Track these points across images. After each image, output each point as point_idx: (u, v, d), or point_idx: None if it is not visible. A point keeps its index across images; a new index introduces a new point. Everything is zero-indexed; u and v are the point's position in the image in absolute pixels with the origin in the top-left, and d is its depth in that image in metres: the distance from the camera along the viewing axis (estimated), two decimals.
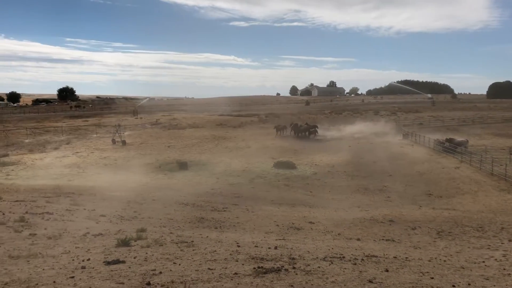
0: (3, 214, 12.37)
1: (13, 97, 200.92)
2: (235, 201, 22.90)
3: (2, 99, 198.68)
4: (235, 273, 6.76)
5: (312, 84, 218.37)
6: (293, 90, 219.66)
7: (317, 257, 8.46)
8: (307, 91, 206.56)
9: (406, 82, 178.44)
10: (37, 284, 5.90)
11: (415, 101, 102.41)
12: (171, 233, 11.74)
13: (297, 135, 52.46)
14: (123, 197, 20.93)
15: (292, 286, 6.17)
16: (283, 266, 7.28)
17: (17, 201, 16.61)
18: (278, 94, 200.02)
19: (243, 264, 7.43)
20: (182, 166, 35.57)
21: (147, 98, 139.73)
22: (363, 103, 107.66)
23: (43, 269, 6.80)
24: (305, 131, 52.82)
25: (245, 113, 77.68)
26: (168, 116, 73.85)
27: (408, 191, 28.08)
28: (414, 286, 6.52)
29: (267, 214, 19.02)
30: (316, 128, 53.52)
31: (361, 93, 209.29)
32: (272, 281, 6.41)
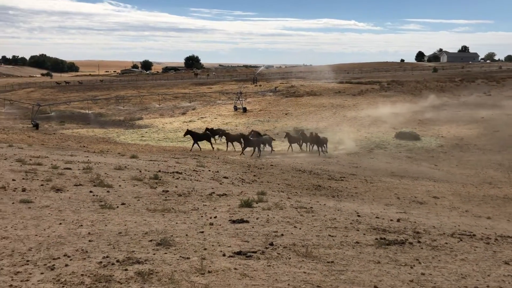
0: (140, 171, 13.67)
1: (146, 65, 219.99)
2: (353, 171, 22.49)
3: (137, 67, 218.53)
4: (357, 242, 6.66)
5: (441, 50, 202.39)
6: (419, 56, 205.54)
7: (444, 233, 7.97)
8: (435, 57, 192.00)
9: None
10: (172, 235, 6.44)
11: None
12: (289, 198, 11.97)
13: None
14: (243, 161, 21.84)
15: (417, 260, 5.89)
16: (407, 239, 6.99)
17: (151, 160, 18.25)
18: (402, 60, 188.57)
19: (364, 234, 7.29)
20: None
21: (264, 66, 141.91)
22: (500, 70, 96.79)
23: (176, 223, 7.41)
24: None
25: (365, 80, 74.92)
26: (286, 83, 74.33)
27: None
28: None
29: (387, 186, 18.41)
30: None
31: (499, 59, 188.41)
32: (395, 253, 6.19)
